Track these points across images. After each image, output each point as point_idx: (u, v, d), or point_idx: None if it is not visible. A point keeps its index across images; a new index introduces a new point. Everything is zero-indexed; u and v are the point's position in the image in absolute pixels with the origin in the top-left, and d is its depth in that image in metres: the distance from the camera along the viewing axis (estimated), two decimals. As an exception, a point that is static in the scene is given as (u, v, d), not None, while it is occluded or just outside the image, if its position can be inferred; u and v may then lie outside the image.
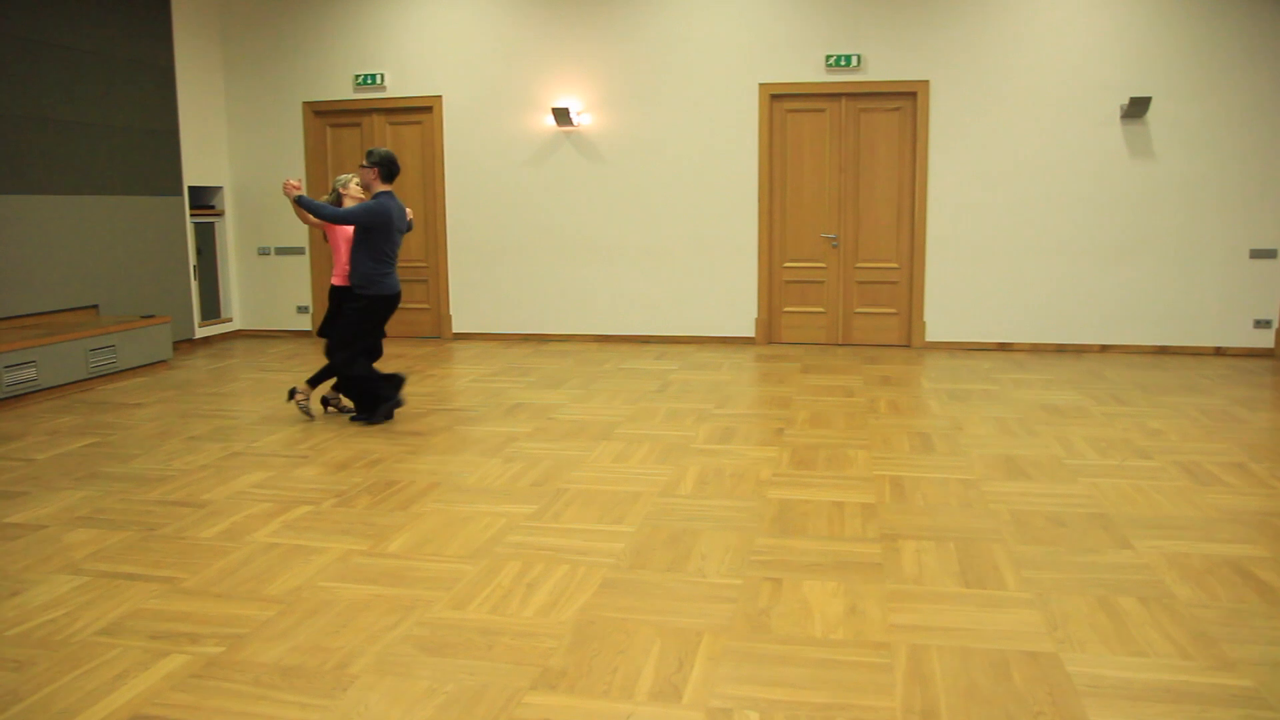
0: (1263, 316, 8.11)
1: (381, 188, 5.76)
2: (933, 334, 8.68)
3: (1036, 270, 8.39)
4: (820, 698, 2.62)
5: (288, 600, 3.30)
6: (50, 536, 3.98)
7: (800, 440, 5.42)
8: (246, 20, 9.47)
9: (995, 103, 8.27)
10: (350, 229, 5.89)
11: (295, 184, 5.55)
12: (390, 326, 9.60)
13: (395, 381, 5.95)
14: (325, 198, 6.20)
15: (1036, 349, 8.48)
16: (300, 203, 5.52)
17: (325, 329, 6.07)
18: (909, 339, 8.75)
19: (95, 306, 7.99)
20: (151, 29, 8.57)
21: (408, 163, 9.39)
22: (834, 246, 8.76)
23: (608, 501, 4.34)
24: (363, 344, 5.87)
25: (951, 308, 8.60)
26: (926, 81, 8.35)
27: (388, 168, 5.75)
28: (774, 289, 8.91)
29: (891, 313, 8.76)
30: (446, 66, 9.16)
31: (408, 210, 6.03)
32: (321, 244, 9.35)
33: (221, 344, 9.39)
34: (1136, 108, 7.94)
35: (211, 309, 9.56)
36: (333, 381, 6.21)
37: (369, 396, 5.97)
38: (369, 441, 5.48)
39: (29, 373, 6.55)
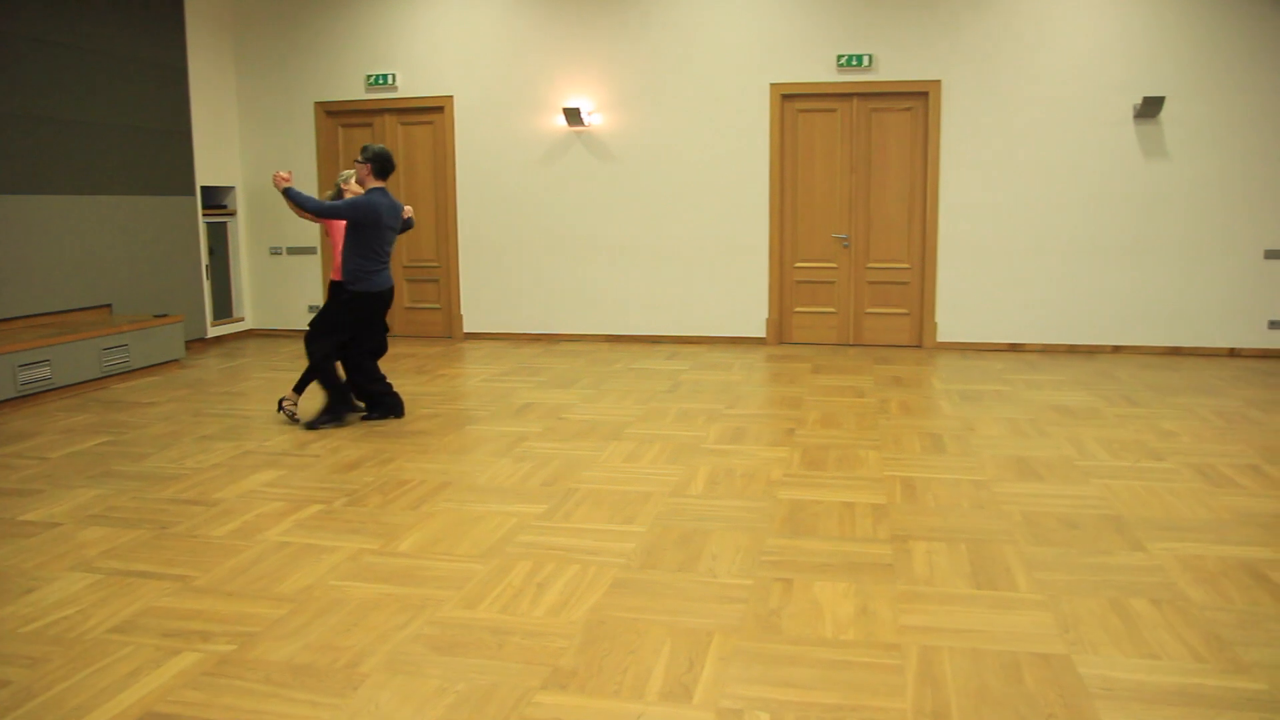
0: (1277, 317, 8.06)
1: (374, 184, 5.72)
2: (944, 334, 8.65)
3: (1048, 271, 8.36)
4: (831, 699, 2.62)
5: (299, 599, 3.31)
6: (63, 534, 4.00)
7: (811, 441, 5.41)
8: (259, 21, 9.51)
9: (1007, 103, 8.24)
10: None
11: (285, 176, 5.55)
12: (401, 326, 9.65)
13: (347, 401, 5.87)
14: (328, 194, 6.21)
15: (1048, 349, 8.45)
16: (288, 194, 5.52)
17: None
18: (920, 339, 8.72)
19: (108, 306, 8.03)
20: (164, 30, 8.61)
21: (418, 163, 9.42)
22: (845, 247, 8.75)
23: (618, 501, 4.34)
24: (340, 337, 5.81)
25: (963, 308, 8.58)
26: (938, 81, 8.33)
27: (381, 164, 5.71)
28: (785, 289, 8.90)
29: (903, 313, 8.74)
30: (458, 67, 9.17)
31: (406, 208, 5.99)
32: (333, 243, 9.38)
33: (233, 343, 9.42)
34: (1150, 108, 7.90)
35: (224, 308, 9.60)
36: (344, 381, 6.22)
37: (370, 395, 5.98)
38: (380, 441, 5.49)
39: (43, 371, 6.59)
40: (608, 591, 3.34)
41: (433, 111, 9.33)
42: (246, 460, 5.12)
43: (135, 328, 7.43)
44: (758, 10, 8.56)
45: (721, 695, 2.64)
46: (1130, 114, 8.06)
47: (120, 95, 8.10)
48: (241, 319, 9.80)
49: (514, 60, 9.05)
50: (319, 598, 3.32)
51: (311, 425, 5.81)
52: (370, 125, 9.48)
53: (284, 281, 9.78)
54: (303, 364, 8.06)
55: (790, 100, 8.65)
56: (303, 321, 9.71)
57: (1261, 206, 7.94)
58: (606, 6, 8.80)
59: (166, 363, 7.80)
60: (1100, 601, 3.22)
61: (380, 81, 9.29)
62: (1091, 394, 6.61)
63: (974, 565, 3.55)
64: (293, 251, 9.70)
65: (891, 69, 8.39)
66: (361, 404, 6.18)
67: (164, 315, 7.92)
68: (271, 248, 9.77)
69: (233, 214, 9.66)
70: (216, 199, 9.47)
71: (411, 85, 9.28)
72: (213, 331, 9.33)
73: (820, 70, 8.51)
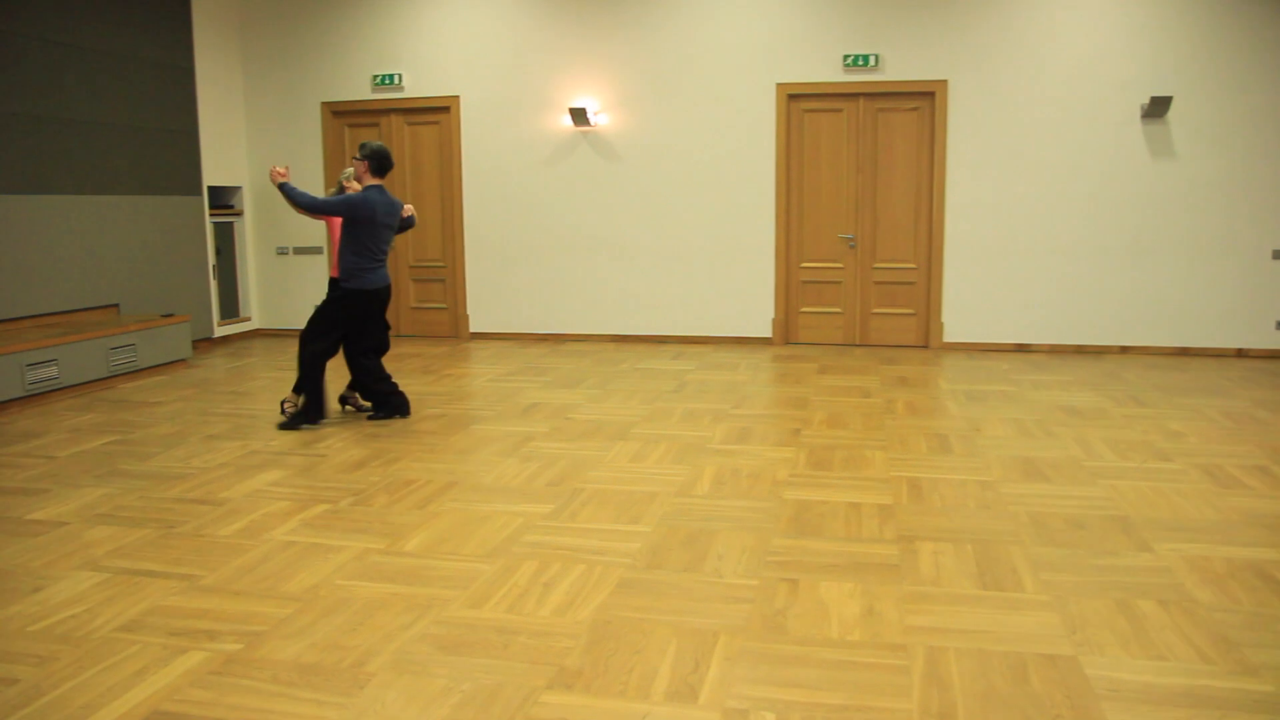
0: (1285, 318, 8.05)
1: (371, 181, 5.72)
2: (950, 335, 8.64)
3: (1055, 271, 8.34)
4: (837, 699, 2.61)
5: (305, 598, 3.31)
6: (71, 533, 4.01)
7: (817, 441, 5.41)
8: (266, 21, 9.53)
9: (1014, 102, 8.23)
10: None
11: (281, 171, 5.57)
12: (407, 326, 9.66)
13: (321, 408, 5.85)
14: (331, 191, 6.21)
15: (1055, 350, 8.43)
16: (283, 189, 5.53)
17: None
18: (927, 340, 8.71)
19: (116, 305, 8.05)
20: (172, 30, 8.63)
21: (425, 163, 9.43)
22: (851, 247, 8.74)
23: (624, 501, 4.34)
24: (334, 336, 5.79)
25: (969, 308, 8.56)
26: (945, 81, 8.32)
27: (378, 161, 5.71)
28: (791, 289, 8.89)
29: (909, 313, 8.73)
30: (464, 67, 9.18)
31: (407, 207, 5.99)
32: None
33: (240, 343, 9.45)
34: (1157, 107, 7.88)
35: (230, 308, 9.62)
36: (349, 381, 6.23)
37: (376, 394, 5.99)
38: (386, 441, 5.50)
39: (50, 371, 6.61)
40: (613, 591, 3.34)
41: (439, 111, 9.34)
42: (253, 460, 5.13)
43: (142, 327, 7.45)
44: (764, 10, 8.55)
45: (727, 695, 2.64)
46: (1137, 114, 8.04)
47: (127, 95, 8.13)
48: (248, 319, 9.82)
49: (520, 60, 9.05)
50: (325, 597, 3.32)
51: (284, 426, 5.81)
52: (377, 125, 9.49)
53: (290, 281, 9.79)
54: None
55: (796, 100, 8.64)
56: (309, 321, 9.74)
57: (1269, 206, 7.91)
58: (612, 6, 8.80)
59: (173, 362, 7.82)
60: (1107, 602, 3.21)
61: (386, 81, 9.30)
62: (1099, 394, 6.59)
63: (980, 566, 3.55)
64: (299, 251, 9.72)
65: (898, 69, 8.38)
66: (368, 404, 6.19)
67: (171, 315, 7.94)
68: (278, 248, 9.79)
69: (239, 214, 9.68)
70: (223, 199, 9.50)
71: (418, 85, 9.30)
72: (219, 331, 9.36)
73: (826, 70, 8.50)
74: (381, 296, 5.86)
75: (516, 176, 9.22)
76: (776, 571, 3.51)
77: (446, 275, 9.56)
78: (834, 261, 8.80)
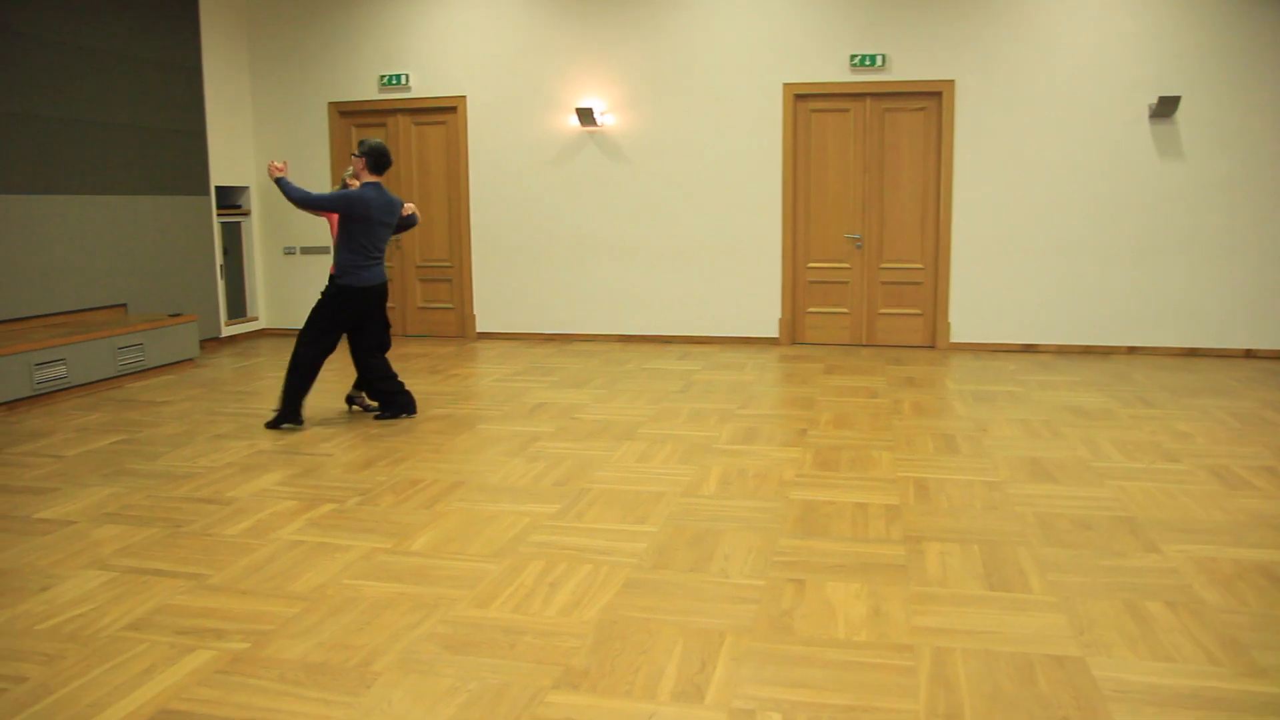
0: (1294, 318, 8.02)
1: (369, 178, 5.72)
2: (957, 335, 8.62)
3: (1063, 271, 8.32)
4: (843, 699, 2.61)
5: (312, 597, 3.32)
6: (79, 532, 4.02)
7: (824, 441, 5.40)
8: (273, 22, 9.55)
9: (1021, 102, 8.21)
10: None
11: (279, 166, 5.58)
12: (413, 326, 9.67)
13: (297, 411, 5.81)
14: (336, 189, 6.22)
15: (1062, 350, 8.41)
16: (279, 183, 5.54)
17: None
18: (933, 340, 8.70)
19: (123, 305, 8.08)
20: (179, 31, 8.65)
21: (431, 163, 9.44)
22: (858, 247, 8.73)
23: (631, 501, 4.34)
24: (332, 335, 5.77)
25: (976, 309, 8.55)
26: (952, 81, 8.30)
27: (376, 158, 5.69)
28: (798, 289, 8.89)
29: (916, 313, 8.71)
30: (471, 67, 9.19)
31: (408, 205, 5.97)
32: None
33: (247, 343, 9.47)
34: (1165, 107, 7.85)
35: (238, 308, 9.64)
36: (355, 380, 6.23)
37: (382, 394, 5.99)
38: (393, 440, 5.51)
39: (59, 370, 6.63)
40: (620, 591, 3.34)
41: (446, 112, 9.35)
42: (260, 459, 5.14)
43: (150, 327, 7.48)
44: (771, 10, 8.55)
45: (734, 696, 2.64)
46: (1145, 113, 8.02)
47: (135, 95, 8.15)
48: (255, 319, 9.84)
49: (527, 60, 9.06)
50: (332, 596, 3.33)
51: (270, 425, 5.82)
52: (384, 125, 9.51)
53: (298, 281, 9.81)
54: (326, 364, 8.08)
55: (803, 100, 8.64)
56: (316, 321, 9.75)
57: (1277, 207, 7.88)
58: (620, 7, 8.80)
59: (181, 362, 7.84)
60: (1114, 603, 3.20)
61: (393, 82, 9.31)
62: (1106, 395, 6.58)
63: (987, 566, 3.54)
64: (306, 251, 9.74)
65: (905, 69, 8.36)
66: (374, 404, 6.20)
67: (178, 315, 7.96)
68: (285, 247, 9.81)
69: (247, 214, 9.70)
70: (231, 199, 9.52)
71: (424, 85, 9.31)
72: (227, 331, 9.38)
73: (833, 70, 8.49)
74: (375, 294, 5.82)
75: (523, 176, 9.23)
76: (783, 572, 3.51)
77: (453, 275, 9.57)
78: (841, 262, 8.79)
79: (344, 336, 5.91)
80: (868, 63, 8.38)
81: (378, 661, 2.85)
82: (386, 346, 6.05)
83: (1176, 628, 3.02)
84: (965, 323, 8.59)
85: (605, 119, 8.95)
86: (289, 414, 5.80)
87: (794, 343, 8.95)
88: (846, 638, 2.98)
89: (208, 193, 8.98)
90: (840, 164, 8.66)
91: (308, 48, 9.51)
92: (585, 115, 8.77)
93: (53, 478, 4.84)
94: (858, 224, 8.70)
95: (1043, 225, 8.30)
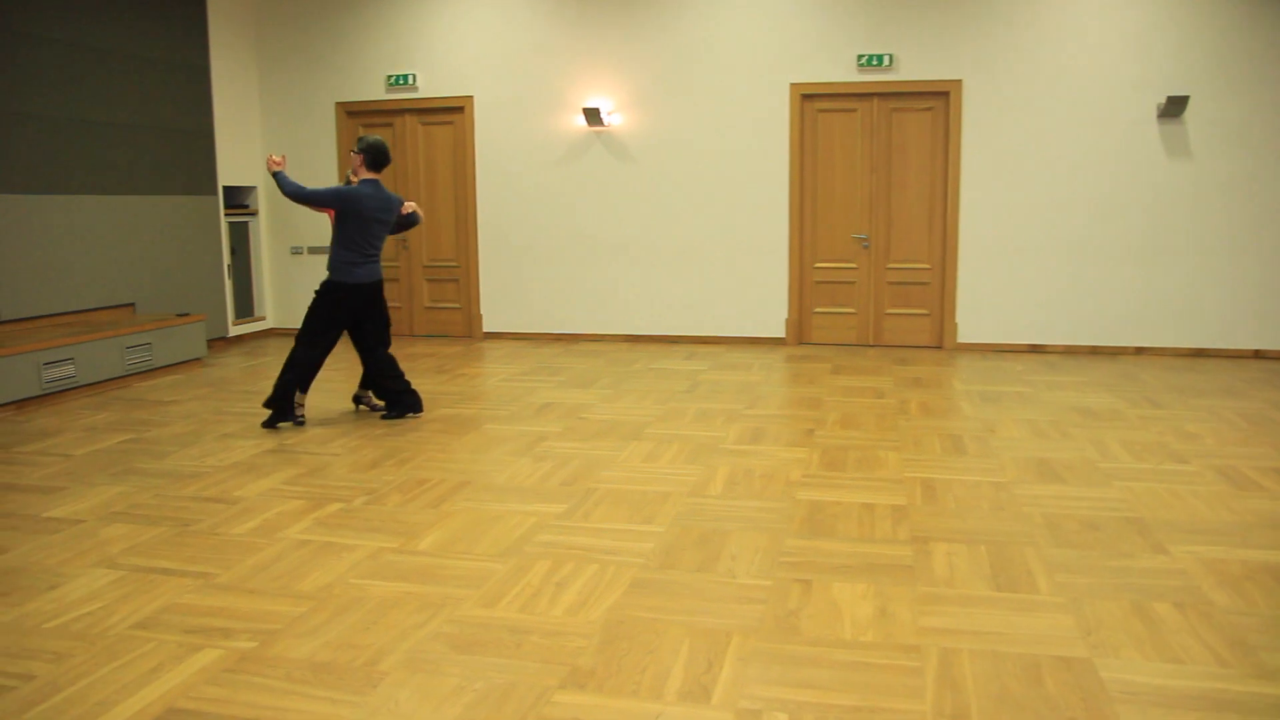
0: (1303, 319, 7.98)
1: (367, 175, 5.71)
2: (964, 335, 8.61)
3: (1070, 271, 8.30)
4: (850, 700, 2.61)
5: (319, 597, 3.32)
6: (87, 531, 4.03)
7: (830, 441, 5.40)
8: (281, 22, 9.57)
9: (1029, 102, 8.19)
10: None
11: (278, 160, 5.59)
12: (420, 326, 9.69)
13: (283, 411, 5.80)
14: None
15: (1070, 351, 8.39)
16: (276, 177, 5.55)
17: None
18: (940, 340, 8.68)
19: (131, 305, 8.10)
20: (187, 31, 8.68)
21: (439, 163, 9.45)
22: (865, 247, 8.72)
23: (637, 501, 4.34)
24: (330, 334, 5.77)
25: (984, 309, 8.53)
26: (959, 81, 8.29)
27: (374, 155, 5.69)
28: (804, 289, 8.88)
29: (923, 314, 8.70)
30: (478, 67, 9.20)
31: (408, 204, 5.96)
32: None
33: (254, 342, 9.49)
34: (1174, 107, 7.83)
35: (245, 307, 9.67)
36: (361, 379, 6.24)
37: (389, 393, 5.99)
38: (400, 440, 5.52)
39: (67, 369, 6.65)
40: (626, 591, 3.34)
41: (453, 111, 9.36)
42: (267, 458, 5.15)
43: (158, 326, 7.50)
44: (778, 10, 8.54)
45: (740, 696, 2.64)
46: (1153, 113, 7.99)
47: (143, 95, 8.18)
48: (263, 318, 9.86)
49: (534, 60, 9.07)
50: (339, 596, 3.33)
51: (266, 425, 5.82)
52: (391, 125, 9.52)
53: (305, 281, 9.82)
54: (332, 364, 8.10)
55: (810, 100, 8.63)
56: (323, 321, 9.77)
57: (1287, 207, 7.86)
58: (626, 7, 8.80)
59: (189, 361, 7.86)
60: (1122, 604, 3.20)
61: (401, 82, 9.33)
62: (1114, 395, 6.56)
63: (994, 567, 3.53)
64: (314, 251, 9.75)
65: (912, 69, 8.35)
66: (380, 403, 6.21)
67: (186, 314, 7.98)
68: (292, 247, 9.83)
69: (254, 213, 9.72)
70: (238, 199, 9.54)
71: (432, 85, 9.32)
72: (234, 330, 9.40)
73: (840, 70, 8.48)
74: (368, 292, 5.79)
75: (530, 176, 9.23)
76: (789, 572, 3.50)
77: (460, 275, 9.58)
78: (847, 262, 8.78)
79: (343, 336, 5.90)
80: (875, 63, 8.37)
81: (384, 661, 2.86)
82: (387, 344, 6.05)
83: (1184, 629, 3.01)
84: (972, 323, 8.58)
85: (612, 119, 8.96)
86: (282, 413, 5.81)
87: (801, 343, 8.94)
88: (853, 638, 2.98)
89: (215, 192, 9.00)
90: (847, 164, 8.65)
91: (315, 48, 9.53)
92: (592, 115, 8.78)
93: (61, 477, 4.85)
94: (865, 224, 8.69)
95: (1050, 225, 8.28)
